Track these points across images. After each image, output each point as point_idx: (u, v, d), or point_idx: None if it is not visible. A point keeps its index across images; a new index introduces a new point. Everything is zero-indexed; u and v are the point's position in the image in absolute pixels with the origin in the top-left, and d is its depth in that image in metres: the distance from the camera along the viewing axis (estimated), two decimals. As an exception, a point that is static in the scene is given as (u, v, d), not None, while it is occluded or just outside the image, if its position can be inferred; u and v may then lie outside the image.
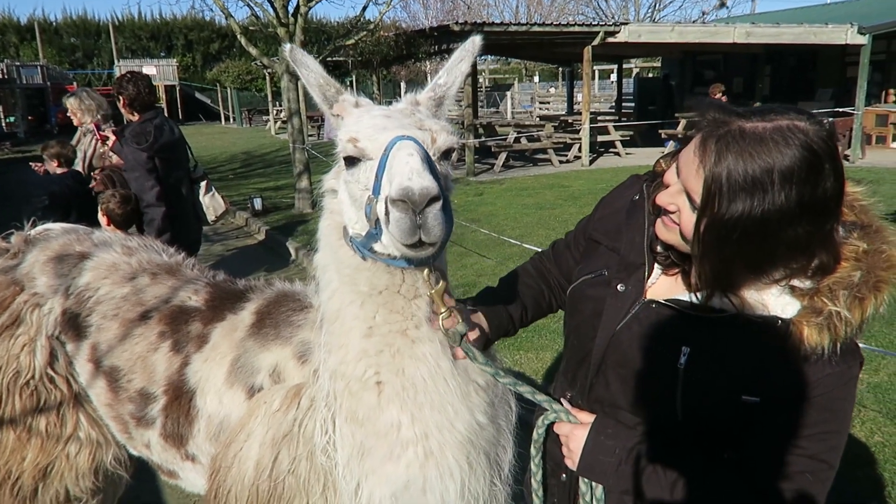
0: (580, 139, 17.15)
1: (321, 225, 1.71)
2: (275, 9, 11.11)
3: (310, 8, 11.21)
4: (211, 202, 5.64)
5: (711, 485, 1.46)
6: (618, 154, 18.17)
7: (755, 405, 1.40)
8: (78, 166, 5.92)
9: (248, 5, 11.32)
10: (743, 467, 1.44)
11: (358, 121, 1.53)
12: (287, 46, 1.61)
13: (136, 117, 5.16)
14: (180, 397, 2.18)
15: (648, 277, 1.61)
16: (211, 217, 5.69)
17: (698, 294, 1.46)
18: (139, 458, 2.56)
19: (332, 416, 1.74)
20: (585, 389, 1.69)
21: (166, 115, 5.59)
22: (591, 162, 17.03)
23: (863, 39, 16.60)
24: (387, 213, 1.33)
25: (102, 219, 4.74)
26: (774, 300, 1.41)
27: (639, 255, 1.62)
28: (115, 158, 5.50)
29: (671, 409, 1.48)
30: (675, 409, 1.47)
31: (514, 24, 16.16)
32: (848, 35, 16.72)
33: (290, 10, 11.26)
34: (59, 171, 5.83)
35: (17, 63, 37.27)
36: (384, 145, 1.40)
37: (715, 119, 1.36)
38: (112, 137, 5.34)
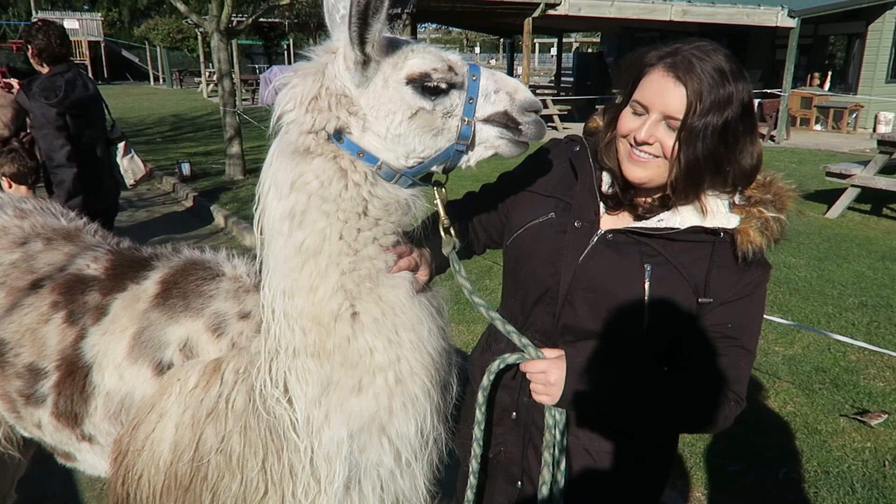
0: (519, 112, 17.14)
1: (314, 166, 1.56)
2: (204, -37, 10.55)
3: (241, -37, 10.69)
4: (130, 165, 5.30)
5: (674, 382, 1.69)
6: (556, 128, 18.27)
7: (708, 305, 1.63)
8: None
9: (175, -43, 10.71)
10: (694, 363, 1.67)
11: (430, 52, 1.60)
12: None
13: (45, 70, 4.77)
14: (74, 373, 2.01)
15: (598, 216, 1.76)
16: (130, 181, 5.35)
17: (647, 221, 1.69)
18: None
19: (288, 361, 1.65)
20: (551, 323, 1.77)
21: (90, 72, 5.20)
22: (530, 135, 17.07)
23: (792, 22, 17.14)
24: (515, 126, 1.61)
25: (3, 182, 4.43)
26: (721, 215, 1.65)
27: (589, 195, 1.77)
28: None
29: (639, 322, 1.65)
30: (643, 322, 1.65)
31: (456, -8, 15.90)
32: (778, 17, 17.23)
33: (221, -36, 10.72)
34: None
35: (-78, 11, 34.50)
36: (467, 72, 1.59)
37: (664, 52, 1.60)
38: (16, 86, 4.94)
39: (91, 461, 2.15)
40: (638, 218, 1.72)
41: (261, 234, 1.65)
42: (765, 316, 5.17)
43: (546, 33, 30.94)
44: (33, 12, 38.07)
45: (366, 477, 1.73)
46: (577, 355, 1.68)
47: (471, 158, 1.64)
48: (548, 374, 1.66)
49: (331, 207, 1.57)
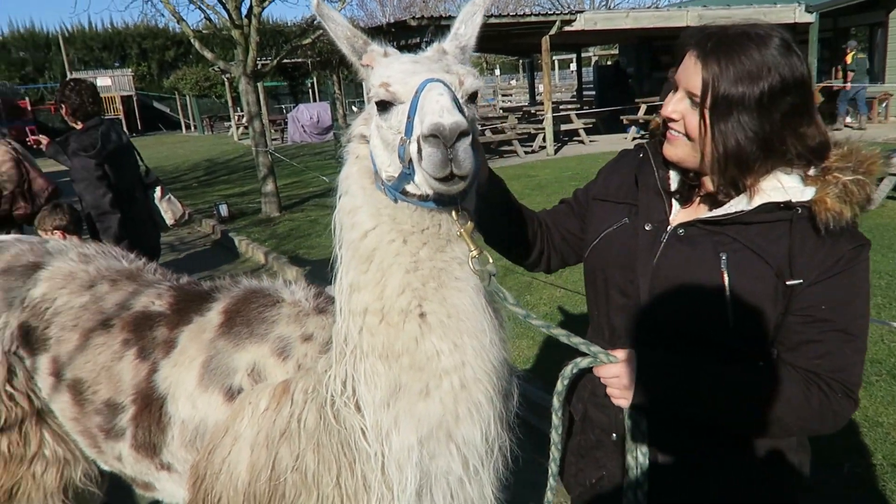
0: (544, 129, 17.23)
1: (348, 171, 1.71)
2: (227, 11, 10.92)
3: (263, 9, 11.03)
4: (168, 206, 5.51)
5: (764, 375, 1.58)
6: (582, 142, 18.29)
7: (797, 287, 1.52)
8: None
9: (200, 8, 11.12)
10: (787, 353, 1.57)
11: (389, 67, 1.57)
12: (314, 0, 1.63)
13: (79, 126, 5.04)
14: (150, 405, 2.11)
15: (669, 214, 1.74)
16: (170, 221, 5.56)
17: (720, 200, 1.62)
18: (114, 475, 2.47)
19: (355, 362, 1.70)
20: (635, 328, 1.74)
21: (125, 125, 5.50)
22: (556, 151, 17.13)
23: (810, 17, 16.97)
24: (419, 151, 1.39)
25: (55, 235, 4.64)
26: (792, 189, 1.56)
27: (655, 196, 1.77)
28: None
29: (722, 316, 1.57)
30: (726, 315, 1.56)
31: (472, 17, 16.10)
32: (796, 14, 17.08)
33: (244, 11, 11.08)
34: None
35: (-35, 81, 36.20)
36: (415, 88, 1.45)
37: (701, 33, 1.58)
38: (45, 141, 5.32)
39: (170, 489, 2.24)
40: (712, 206, 1.66)
41: (336, 231, 1.73)
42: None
43: (564, 49, 31.08)
44: (68, 73, 39.64)
45: (436, 485, 1.75)
46: (651, 354, 1.64)
47: (420, 185, 1.49)
48: (621, 377, 1.63)
49: (370, 209, 1.65)
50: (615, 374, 1.64)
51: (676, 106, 1.61)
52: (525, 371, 4.95)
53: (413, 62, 1.56)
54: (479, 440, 1.71)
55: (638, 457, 1.69)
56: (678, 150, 1.65)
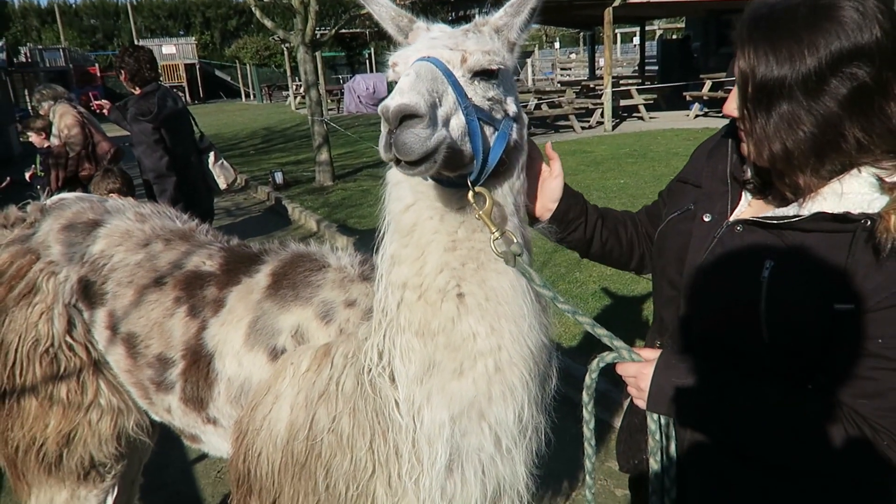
0: (602, 104, 16.85)
1: None
2: (288, -21, 11.00)
3: (324, -23, 11.06)
4: (221, 171, 5.68)
5: (795, 409, 1.40)
6: (641, 118, 17.82)
7: (848, 313, 1.31)
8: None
9: (262, -24, 11.22)
10: (832, 388, 1.37)
11: (410, 46, 1.53)
12: None
13: (137, 91, 5.19)
14: (198, 361, 2.17)
15: (737, 205, 1.60)
16: (222, 185, 5.73)
17: (788, 198, 1.43)
18: (164, 426, 2.57)
19: (392, 335, 1.70)
20: (677, 328, 1.66)
21: (187, 93, 5.67)
22: (615, 127, 16.74)
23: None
24: None
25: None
26: (855, 197, 1.34)
27: (722, 182, 1.63)
28: (54, 142, 6.50)
29: (756, 330, 1.41)
30: (760, 330, 1.40)
31: (533, -12, 15.77)
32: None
33: (305, -21, 11.14)
34: (45, 143, 6.89)
35: (40, 47, 37.72)
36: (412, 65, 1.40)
37: (746, 16, 1.40)
38: (107, 105, 5.65)
39: (215, 443, 2.31)
40: (781, 205, 1.48)
41: (384, 202, 1.71)
42: None
43: (627, 22, 30.22)
44: (136, 41, 40.81)
45: (468, 461, 1.76)
46: (672, 359, 1.54)
47: None
48: (638, 378, 1.57)
49: (410, 183, 1.61)
50: (633, 373, 1.58)
51: (731, 100, 1.48)
52: (570, 347, 4.91)
53: (430, 39, 1.51)
54: (511, 421, 1.71)
55: (663, 461, 1.62)
56: (745, 148, 1.49)
